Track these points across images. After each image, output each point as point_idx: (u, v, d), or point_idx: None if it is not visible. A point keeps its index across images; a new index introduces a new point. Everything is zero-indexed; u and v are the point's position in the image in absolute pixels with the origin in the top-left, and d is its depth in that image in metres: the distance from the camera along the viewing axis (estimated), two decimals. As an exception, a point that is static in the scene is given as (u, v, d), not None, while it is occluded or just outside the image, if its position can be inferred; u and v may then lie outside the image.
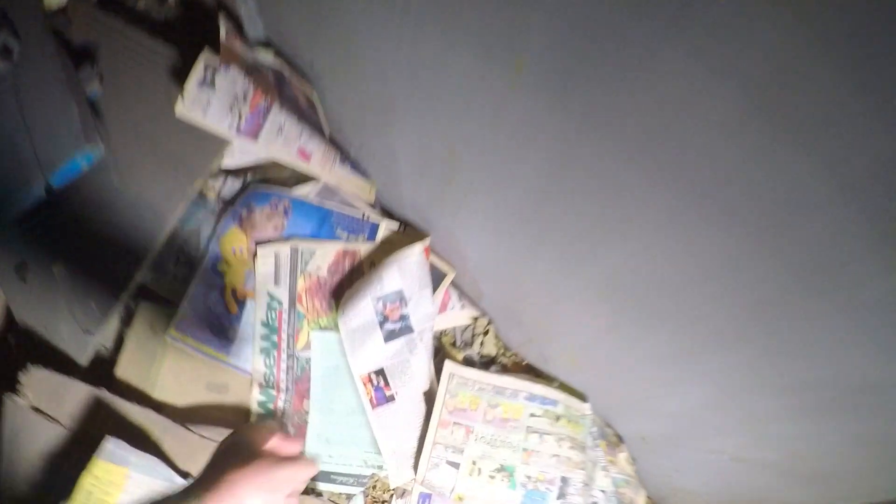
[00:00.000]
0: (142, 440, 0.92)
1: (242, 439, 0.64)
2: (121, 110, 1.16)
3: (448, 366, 1.07)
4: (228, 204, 1.18)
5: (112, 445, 0.88)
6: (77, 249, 1.09)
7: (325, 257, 1.13)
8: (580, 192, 0.65)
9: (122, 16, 1.20)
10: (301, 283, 1.12)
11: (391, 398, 1.05)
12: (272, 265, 1.12)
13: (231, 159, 1.24)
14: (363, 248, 1.14)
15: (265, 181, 1.21)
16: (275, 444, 0.65)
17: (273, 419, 1.05)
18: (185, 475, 0.91)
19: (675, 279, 0.64)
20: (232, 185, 1.21)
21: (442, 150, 0.83)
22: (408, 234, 1.16)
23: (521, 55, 0.55)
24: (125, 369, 1.05)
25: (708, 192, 0.51)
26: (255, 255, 1.12)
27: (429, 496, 1.04)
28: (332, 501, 1.05)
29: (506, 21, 0.53)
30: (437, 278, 1.13)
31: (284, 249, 1.13)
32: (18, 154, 1.09)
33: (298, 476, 0.63)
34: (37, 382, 0.94)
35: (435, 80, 0.70)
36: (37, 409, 0.93)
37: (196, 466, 0.93)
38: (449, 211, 0.98)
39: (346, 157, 1.22)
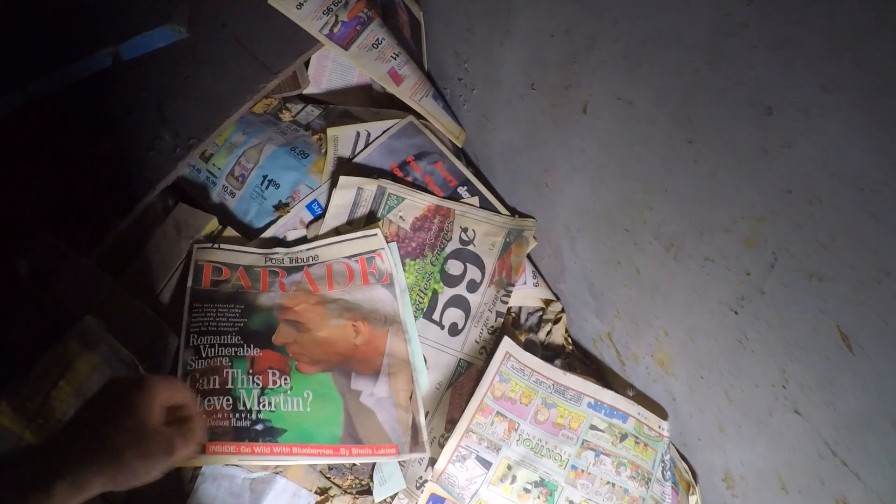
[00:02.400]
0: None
1: (135, 392, 0.61)
2: (217, 7, 1.09)
3: (506, 343, 0.92)
4: (303, 128, 1.11)
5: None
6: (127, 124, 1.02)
7: (413, 209, 1.03)
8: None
9: None
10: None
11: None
12: (351, 199, 1.03)
13: (315, 86, 1.19)
14: (460, 208, 1.03)
15: (346, 114, 1.13)
16: (169, 397, 0.64)
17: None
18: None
19: None
20: (309, 112, 1.15)
21: (563, 51, 0.75)
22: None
23: None
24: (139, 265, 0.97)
25: None
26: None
27: (441, 501, 0.88)
28: (335, 466, 0.92)
29: None
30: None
31: (370, 186, 1.03)
32: (93, 14, 1.05)
33: (191, 449, 0.64)
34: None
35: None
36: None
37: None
38: (552, 147, 0.88)
39: (439, 94, 1.12)
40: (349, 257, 1.01)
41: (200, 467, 0.86)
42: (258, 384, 0.87)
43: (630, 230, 0.77)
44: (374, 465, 0.91)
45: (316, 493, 0.89)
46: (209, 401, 0.83)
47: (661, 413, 0.90)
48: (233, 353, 0.89)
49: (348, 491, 0.91)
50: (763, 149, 0.55)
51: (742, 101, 0.55)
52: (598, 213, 0.83)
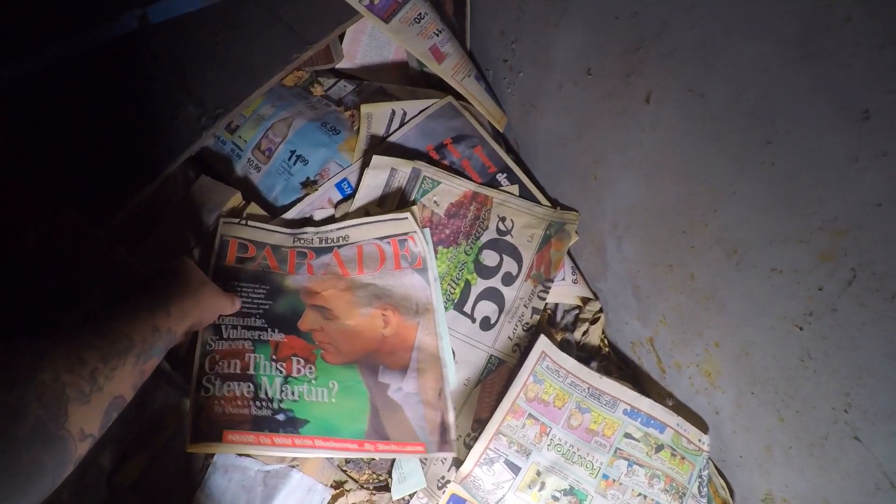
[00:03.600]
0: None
1: (193, 266, 0.80)
2: None
3: (542, 342, 0.89)
4: (335, 103, 1.08)
5: None
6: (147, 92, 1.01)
7: (448, 194, 1.00)
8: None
9: None
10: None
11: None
12: (384, 180, 1.01)
13: (349, 61, 1.17)
14: (498, 196, 1.00)
15: (381, 91, 1.11)
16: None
17: None
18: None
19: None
20: (342, 87, 1.12)
21: (627, 35, 0.72)
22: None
23: None
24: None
25: None
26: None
27: (462, 503, 0.86)
28: (352, 460, 0.91)
29: None
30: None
31: (404, 168, 1.00)
32: None
33: (230, 308, 0.85)
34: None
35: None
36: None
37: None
38: (605, 139, 0.85)
39: (482, 76, 1.09)
40: (381, 239, 0.98)
41: (212, 456, 0.85)
42: (281, 372, 0.85)
43: (688, 232, 0.74)
44: (393, 461, 0.90)
45: (331, 486, 0.87)
46: (229, 386, 0.82)
47: (701, 426, 0.87)
48: (256, 337, 0.87)
49: (364, 486, 0.89)
50: (854, 156, 0.52)
51: (834, 103, 0.52)
52: (651, 211, 0.80)
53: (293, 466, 0.86)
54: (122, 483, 0.83)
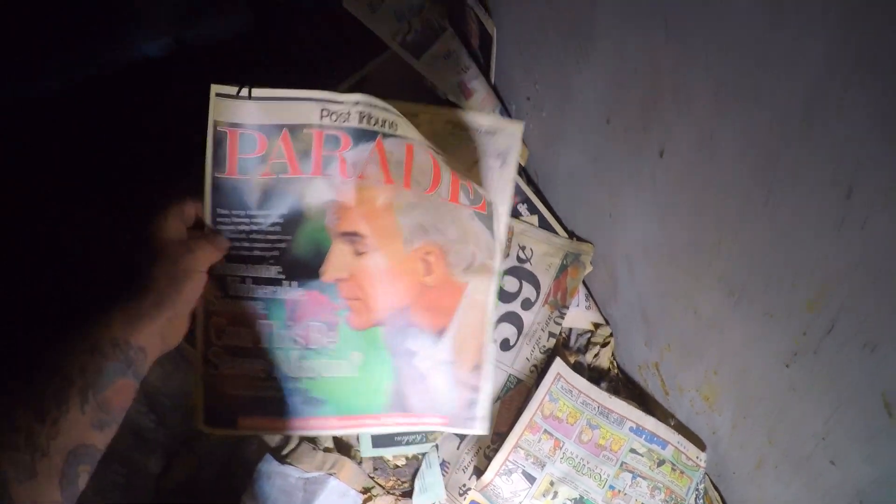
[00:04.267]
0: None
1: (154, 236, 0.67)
2: None
3: (557, 365, 0.98)
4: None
5: None
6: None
7: None
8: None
9: None
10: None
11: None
12: None
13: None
14: (519, 226, 1.07)
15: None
16: (178, 224, 0.69)
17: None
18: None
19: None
20: None
21: (647, 89, 0.78)
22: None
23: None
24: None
25: None
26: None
27: (480, 512, 0.95)
28: (379, 467, 0.97)
29: None
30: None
31: None
32: None
33: (210, 258, 0.70)
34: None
35: None
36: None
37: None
38: (621, 181, 0.92)
39: (505, 110, 1.18)
40: (428, 146, 0.77)
41: (258, 466, 0.87)
42: (298, 343, 0.75)
43: (694, 271, 0.82)
44: (416, 470, 0.96)
45: (360, 492, 0.93)
46: (240, 364, 0.74)
47: (699, 444, 0.96)
48: (269, 295, 0.74)
49: (391, 492, 0.96)
50: (838, 224, 0.60)
51: (825, 176, 0.60)
52: (662, 249, 0.87)
53: (331, 474, 0.89)
54: (169, 486, 0.87)
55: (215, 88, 0.70)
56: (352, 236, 0.75)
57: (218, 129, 0.70)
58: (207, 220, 0.72)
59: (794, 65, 0.56)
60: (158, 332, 0.62)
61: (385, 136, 0.74)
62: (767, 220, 0.69)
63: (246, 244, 0.73)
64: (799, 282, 0.68)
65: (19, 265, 0.93)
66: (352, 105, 0.72)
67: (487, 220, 0.83)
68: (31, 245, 0.94)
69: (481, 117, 0.87)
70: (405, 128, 0.75)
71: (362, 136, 0.73)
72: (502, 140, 0.86)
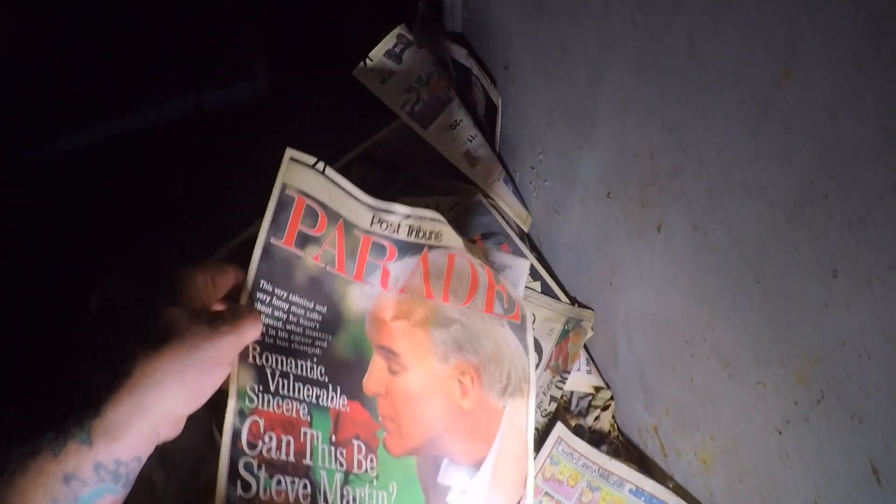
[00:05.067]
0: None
1: (156, 296, 0.52)
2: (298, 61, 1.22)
3: (559, 429, 1.02)
4: None
5: None
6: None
7: None
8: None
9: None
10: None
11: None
12: None
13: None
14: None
15: (415, 183, 1.24)
16: (204, 291, 0.54)
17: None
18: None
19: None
20: (376, 178, 1.24)
21: (645, 171, 0.84)
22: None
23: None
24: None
25: None
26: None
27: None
28: None
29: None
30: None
31: None
32: (178, 60, 1.16)
33: (237, 346, 0.54)
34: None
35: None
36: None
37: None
38: (621, 253, 0.97)
39: (509, 177, 1.24)
40: (469, 254, 0.77)
41: None
42: (342, 465, 0.61)
43: (689, 343, 0.87)
44: None
45: None
46: (279, 483, 0.56)
47: (696, 507, 1.01)
48: (313, 399, 0.61)
49: None
50: (825, 304, 0.66)
51: (812, 260, 0.65)
52: (659, 320, 0.92)
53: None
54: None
55: (290, 153, 0.64)
56: (386, 352, 0.69)
57: (286, 192, 0.63)
58: (247, 292, 0.60)
59: (782, 160, 0.62)
60: (156, 433, 0.48)
61: (430, 248, 0.73)
62: (758, 300, 0.74)
63: (283, 334, 0.62)
64: (789, 356, 0.72)
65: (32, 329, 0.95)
66: (403, 217, 0.72)
67: (521, 331, 0.80)
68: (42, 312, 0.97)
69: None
70: (449, 236, 0.75)
71: (409, 248, 0.72)
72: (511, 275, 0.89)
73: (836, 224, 0.62)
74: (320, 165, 0.66)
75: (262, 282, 0.61)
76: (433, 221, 0.73)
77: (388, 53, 1.18)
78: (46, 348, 0.93)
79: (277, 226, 0.62)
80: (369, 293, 0.69)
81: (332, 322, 0.65)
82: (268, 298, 0.61)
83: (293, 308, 0.63)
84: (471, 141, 1.20)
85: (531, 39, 1.01)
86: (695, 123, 0.72)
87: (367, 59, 1.17)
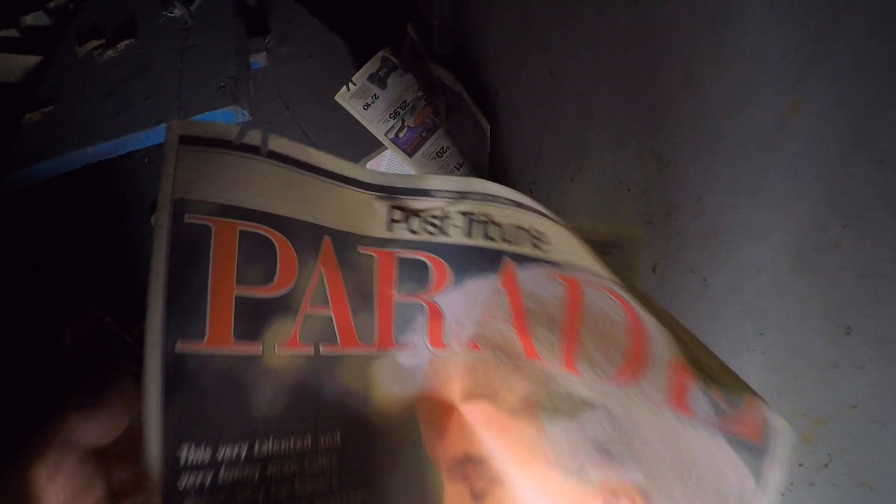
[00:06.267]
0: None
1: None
2: (280, 87, 1.19)
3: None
4: None
5: None
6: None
7: None
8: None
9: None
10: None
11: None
12: None
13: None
14: None
15: None
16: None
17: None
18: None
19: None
20: None
21: (638, 208, 0.80)
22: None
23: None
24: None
25: None
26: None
27: None
28: None
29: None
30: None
31: None
32: (161, 91, 1.14)
33: None
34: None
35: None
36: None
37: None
38: None
39: (499, 206, 1.20)
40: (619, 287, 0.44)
41: None
42: None
43: None
44: None
45: None
46: None
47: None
48: None
49: None
50: (835, 363, 0.61)
51: (820, 315, 0.61)
52: None
53: None
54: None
55: (177, 128, 0.35)
56: (462, 464, 0.40)
57: (187, 218, 0.33)
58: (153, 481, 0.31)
59: (788, 203, 0.57)
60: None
61: (521, 259, 0.42)
62: (760, 352, 0.69)
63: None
64: (792, 413, 0.68)
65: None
66: (451, 200, 0.40)
67: (755, 457, 0.48)
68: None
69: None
70: (564, 244, 0.43)
71: (474, 261, 0.41)
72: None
73: (848, 276, 0.57)
74: (254, 137, 0.36)
75: (182, 447, 0.31)
76: (521, 209, 0.41)
77: (372, 77, 1.14)
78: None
79: (183, 310, 0.31)
80: (412, 365, 0.39)
81: (361, 455, 0.36)
82: (201, 476, 0.32)
83: (270, 468, 0.33)
84: (458, 169, 1.15)
85: (520, 65, 0.96)
86: (692, 159, 0.67)
87: (350, 84, 1.12)
